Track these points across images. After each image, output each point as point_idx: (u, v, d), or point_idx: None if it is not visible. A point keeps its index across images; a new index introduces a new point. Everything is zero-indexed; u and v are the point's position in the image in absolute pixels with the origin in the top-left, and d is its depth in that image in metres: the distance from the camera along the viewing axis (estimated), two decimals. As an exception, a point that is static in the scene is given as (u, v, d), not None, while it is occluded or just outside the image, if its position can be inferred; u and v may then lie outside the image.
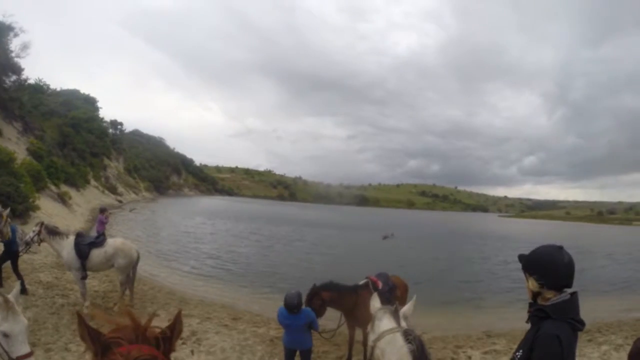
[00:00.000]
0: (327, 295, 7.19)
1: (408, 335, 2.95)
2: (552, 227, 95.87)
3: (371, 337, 3.17)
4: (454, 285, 17.71)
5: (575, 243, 41.04)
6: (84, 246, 9.58)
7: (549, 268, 2.68)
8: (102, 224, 17.03)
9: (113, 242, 10.03)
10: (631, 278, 21.85)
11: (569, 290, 2.70)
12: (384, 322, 3.13)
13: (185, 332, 8.81)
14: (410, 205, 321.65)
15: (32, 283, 10.23)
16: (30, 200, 19.81)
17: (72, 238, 9.71)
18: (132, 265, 10.12)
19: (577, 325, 2.61)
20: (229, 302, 12.55)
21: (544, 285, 2.70)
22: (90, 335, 1.45)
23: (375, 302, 3.54)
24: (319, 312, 6.85)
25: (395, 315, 3.19)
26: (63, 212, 26.57)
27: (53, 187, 29.55)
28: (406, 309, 3.44)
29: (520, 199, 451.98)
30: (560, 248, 2.75)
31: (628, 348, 4.06)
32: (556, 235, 60.28)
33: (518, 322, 12.19)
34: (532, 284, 2.77)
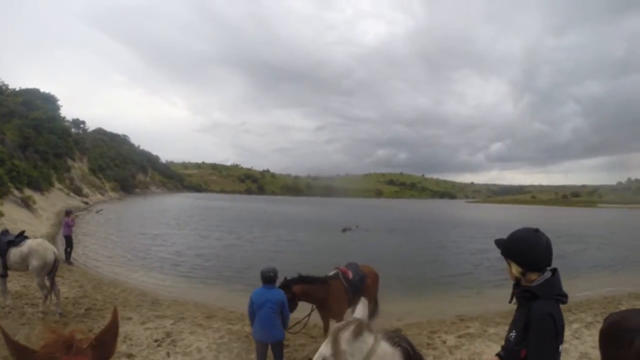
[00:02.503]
0: (297, 288, 7.26)
1: (392, 337, 2.38)
2: (519, 212, 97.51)
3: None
4: (423, 273, 17.97)
5: (546, 227, 42.07)
6: (4, 244, 9.43)
7: (529, 252, 2.82)
8: (69, 227, 16.80)
9: (30, 242, 9.69)
10: (601, 258, 22.77)
11: (549, 268, 2.85)
12: (364, 338, 2.34)
13: (160, 334, 8.80)
14: (379, 194, 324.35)
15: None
16: (-7, 206, 19.32)
17: None
18: (47, 268, 9.61)
19: (562, 299, 2.80)
20: (201, 301, 12.49)
21: (527, 269, 2.84)
22: (19, 353, 1.40)
23: (333, 327, 2.47)
24: (290, 307, 6.87)
25: (369, 326, 2.42)
26: (28, 217, 25.92)
27: (16, 192, 28.80)
28: (364, 312, 2.55)
29: (487, 185, 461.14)
30: (537, 231, 2.89)
31: (599, 325, 4.23)
32: (525, 220, 61.56)
33: (489, 305, 12.54)
34: (515, 269, 2.89)
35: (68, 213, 17.71)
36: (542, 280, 2.80)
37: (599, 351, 4.02)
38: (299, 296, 7.29)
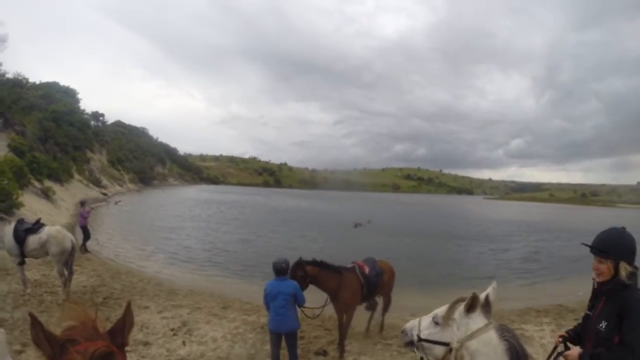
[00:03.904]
0: (310, 269, 7.27)
1: (503, 331, 2.57)
2: (539, 210, 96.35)
3: (455, 335, 2.62)
4: (437, 271, 17.79)
5: (568, 227, 41.44)
6: (21, 232, 9.64)
7: (635, 249, 3.06)
8: (84, 217, 16.82)
9: (48, 229, 10.00)
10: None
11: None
12: (476, 318, 2.61)
13: (176, 323, 8.90)
14: (396, 189, 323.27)
15: (19, 282, 10.17)
16: (14, 197, 19.57)
17: (13, 224, 9.81)
18: (65, 254, 9.96)
19: None
20: (217, 291, 12.59)
21: (632, 265, 3.03)
22: (46, 337, 1.41)
23: (457, 305, 2.72)
24: (302, 284, 6.91)
25: (487, 308, 2.67)
26: (47, 208, 26.26)
27: (36, 183, 29.13)
28: (490, 294, 2.75)
29: (504, 182, 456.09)
30: (625, 229, 3.15)
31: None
32: (549, 219, 60.64)
33: (505, 304, 12.38)
34: (625, 268, 3.01)
35: (83, 203, 17.76)
36: (636, 272, 3.02)
37: None
38: (310, 278, 7.28)
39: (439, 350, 2.68)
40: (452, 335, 2.64)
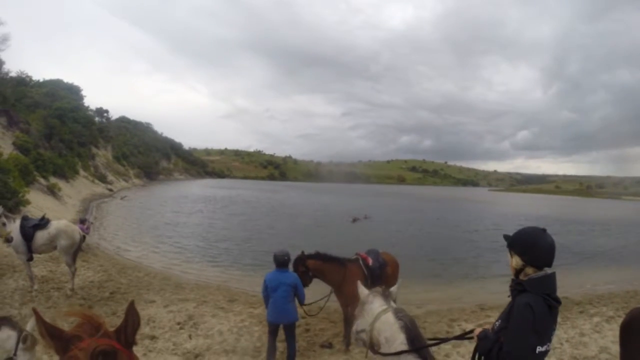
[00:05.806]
0: (312, 263, 7.24)
1: (398, 312, 3.14)
2: (544, 202, 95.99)
3: (367, 321, 3.28)
4: (443, 263, 17.79)
5: (572, 219, 41.21)
6: (29, 228, 9.67)
7: (532, 247, 2.94)
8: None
9: (57, 224, 10.11)
10: (624, 251, 22.10)
11: (549, 271, 2.95)
12: (376, 304, 3.31)
13: (182, 317, 8.94)
14: (401, 181, 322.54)
15: (27, 278, 10.23)
16: (20, 195, 19.67)
17: (18, 221, 9.81)
18: (74, 247, 10.15)
19: (551, 301, 2.84)
20: (223, 284, 12.65)
21: (526, 262, 2.95)
22: (49, 332, 1.46)
23: (362, 289, 3.65)
24: (304, 280, 6.92)
25: (385, 296, 3.40)
26: (54, 205, 26.38)
27: (42, 180, 29.27)
28: (393, 289, 3.61)
29: (509, 173, 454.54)
30: (544, 231, 3.01)
31: (619, 320, 4.17)
32: (554, 211, 60.35)
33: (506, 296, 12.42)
34: (516, 261, 3.01)
35: (82, 221, 17.09)
36: (535, 277, 2.90)
37: (619, 346, 3.97)
38: (313, 271, 7.25)
39: (365, 335, 3.28)
40: (366, 321, 3.29)
